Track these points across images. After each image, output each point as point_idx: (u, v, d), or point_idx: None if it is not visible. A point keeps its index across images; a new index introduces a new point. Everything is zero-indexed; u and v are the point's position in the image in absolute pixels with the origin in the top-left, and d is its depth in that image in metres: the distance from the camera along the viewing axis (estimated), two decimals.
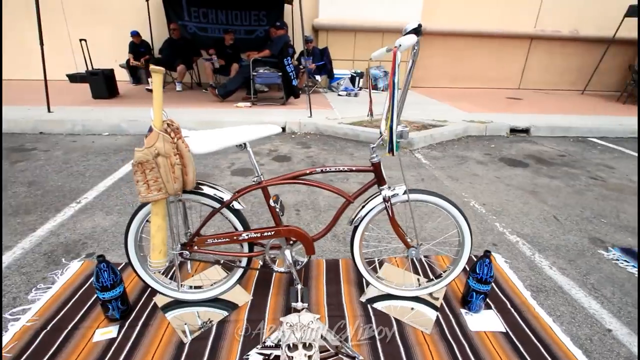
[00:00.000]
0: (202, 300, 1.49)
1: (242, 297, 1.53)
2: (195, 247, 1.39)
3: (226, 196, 1.35)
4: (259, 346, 1.27)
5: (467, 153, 3.74)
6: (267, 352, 1.24)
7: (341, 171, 1.38)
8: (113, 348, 1.25)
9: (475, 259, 1.49)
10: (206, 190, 1.33)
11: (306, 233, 1.41)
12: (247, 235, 1.37)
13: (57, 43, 6.99)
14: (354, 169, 1.38)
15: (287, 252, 1.43)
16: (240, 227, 1.40)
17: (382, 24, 7.22)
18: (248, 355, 1.23)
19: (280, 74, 5.23)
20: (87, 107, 4.88)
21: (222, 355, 1.24)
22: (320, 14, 7.24)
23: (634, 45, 7.92)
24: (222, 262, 1.69)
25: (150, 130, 1.17)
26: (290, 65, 5.25)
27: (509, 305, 1.54)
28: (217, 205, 1.35)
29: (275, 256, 1.46)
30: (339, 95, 6.73)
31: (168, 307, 1.47)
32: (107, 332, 1.31)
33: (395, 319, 1.43)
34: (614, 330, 1.43)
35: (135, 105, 5.10)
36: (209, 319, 1.40)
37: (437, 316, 1.46)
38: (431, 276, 1.73)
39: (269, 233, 1.38)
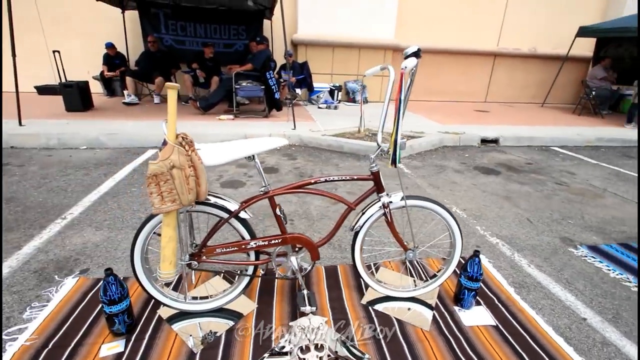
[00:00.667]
0: (208, 310, 1.51)
1: (247, 305, 1.55)
2: (204, 257, 1.41)
3: (234, 206, 1.39)
4: (270, 350, 1.30)
5: (445, 162, 3.97)
6: (279, 356, 1.28)
7: (343, 180, 1.47)
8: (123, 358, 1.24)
9: (463, 261, 1.62)
10: (215, 200, 1.37)
11: (311, 240, 1.47)
12: (255, 243, 1.41)
13: (25, 54, 6.70)
14: (355, 177, 1.48)
15: (293, 259, 1.49)
16: (247, 236, 1.44)
17: (358, 40, 7.53)
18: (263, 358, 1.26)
19: (262, 87, 5.31)
20: (61, 120, 4.70)
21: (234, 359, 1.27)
22: (299, 30, 7.45)
23: (585, 62, 8.76)
24: (234, 271, 1.71)
25: (165, 143, 1.21)
26: (273, 79, 5.35)
27: (496, 301, 1.67)
28: (225, 216, 1.39)
29: (281, 263, 1.50)
30: (319, 107, 6.89)
31: (173, 318, 1.47)
32: (114, 347, 1.30)
33: (396, 319, 1.52)
34: (588, 319, 1.60)
35: (112, 118, 4.97)
36: (212, 329, 1.42)
37: (434, 314, 1.56)
38: (424, 277, 1.84)
39: (277, 241, 1.43)
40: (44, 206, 2.47)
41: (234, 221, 1.41)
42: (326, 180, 1.45)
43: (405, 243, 1.58)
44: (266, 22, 7.32)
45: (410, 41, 8.06)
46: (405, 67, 1.12)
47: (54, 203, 2.52)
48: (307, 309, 1.35)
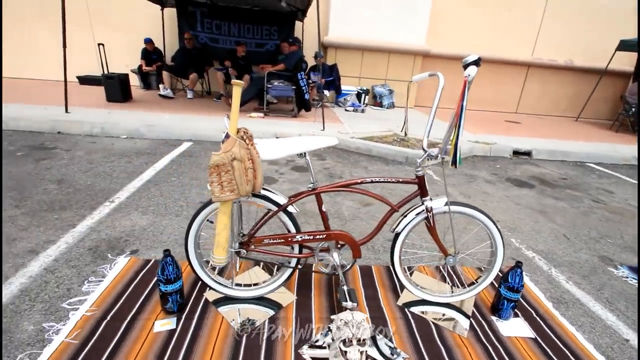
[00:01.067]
0: (250, 297, 1.57)
1: (287, 296, 1.61)
2: (252, 247, 1.48)
3: (283, 200, 1.45)
4: (311, 341, 1.35)
5: (475, 172, 3.92)
6: (319, 347, 1.32)
7: (388, 182, 1.51)
8: (174, 338, 1.32)
9: (501, 274, 1.61)
10: (266, 194, 1.44)
11: (354, 238, 1.51)
12: (301, 237, 1.47)
13: (69, 46, 7.09)
14: (400, 180, 1.51)
15: (335, 255, 1.53)
16: (293, 230, 1.50)
17: (388, 45, 7.53)
18: (302, 350, 1.31)
19: (293, 87, 5.41)
20: (103, 109, 4.95)
21: (278, 349, 1.32)
22: (330, 32, 7.52)
23: (625, 77, 8.41)
24: (277, 262, 1.76)
25: (227, 136, 1.28)
26: (304, 79, 5.44)
27: (534, 314, 1.65)
28: (275, 208, 1.45)
29: (322, 258, 1.55)
30: (345, 110, 6.93)
31: (218, 302, 1.54)
32: (166, 324, 1.38)
33: (433, 323, 1.53)
34: (631, 341, 1.56)
35: (150, 110, 5.19)
36: (249, 317, 1.48)
37: (471, 322, 1.56)
38: (458, 284, 1.84)
39: (321, 236, 1.48)
40: (92, 189, 2.62)
41: (281, 214, 1.47)
42: (372, 181, 1.49)
43: (446, 248, 1.59)
44: (298, 23, 7.44)
45: (440, 48, 8.00)
46: (469, 75, 1.14)
47: (101, 187, 2.67)
48: (349, 304, 1.39)
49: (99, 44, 6.22)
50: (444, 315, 1.60)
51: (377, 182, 1.50)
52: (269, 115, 5.53)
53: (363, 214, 2.59)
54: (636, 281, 2.02)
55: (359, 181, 1.49)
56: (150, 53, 6.98)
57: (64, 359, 1.20)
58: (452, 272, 1.95)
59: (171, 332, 1.35)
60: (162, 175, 3.02)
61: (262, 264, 1.84)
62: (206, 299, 1.55)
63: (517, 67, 8.41)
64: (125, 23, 7.35)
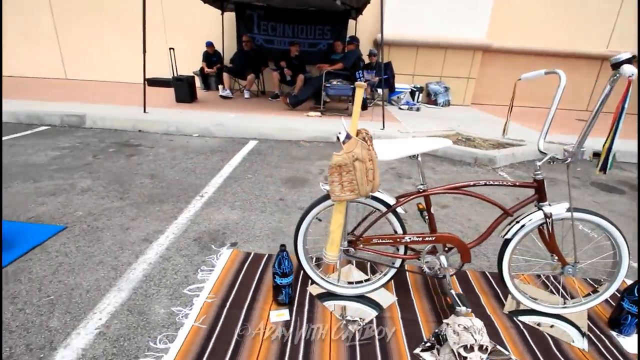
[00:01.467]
0: (353, 295, 1.60)
1: (387, 297, 1.62)
2: (361, 246, 1.51)
3: (392, 201, 1.46)
4: (423, 344, 1.35)
5: (554, 175, 3.65)
6: (430, 349, 1.32)
7: (503, 185, 1.45)
8: (291, 328, 1.39)
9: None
10: (377, 194, 1.45)
11: (464, 241, 1.48)
12: (410, 238, 1.47)
13: (137, 50, 7.69)
14: (517, 184, 1.45)
15: (443, 258, 1.51)
16: (400, 230, 1.50)
17: (446, 40, 7.25)
18: (417, 352, 1.31)
19: (352, 86, 5.41)
20: (174, 109, 5.31)
21: (392, 348, 1.33)
22: (384, 29, 7.40)
23: None
24: (381, 262, 1.79)
25: (348, 137, 1.32)
26: (362, 78, 5.43)
27: None
28: (382, 208, 1.46)
29: (429, 260, 1.54)
30: (399, 108, 6.80)
31: (321, 297, 1.59)
32: (281, 315, 1.45)
33: (548, 334, 1.46)
34: None
35: (215, 110, 5.48)
36: (352, 315, 1.51)
37: (589, 336, 1.46)
38: (566, 295, 1.73)
39: (430, 238, 1.47)
40: (182, 184, 2.83)
41: (390, 215, 1.48)
42: (486, 184, 1.45)
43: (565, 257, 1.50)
44: (351, 22, 7.43)
45: (503, 41, 7.54)
46: (633, 75, 1.06)
47: (189, 182, 2.88)
48: (462, 309, 1.37)
49: (170, 49, 6.68)
50: (552, 326, 1.52)
51: (491, 185, 1.45)
52: (326, 114, 5.59)
53: (442, 216, 2.53)
54: None
55: (471, 184, 1.45)
56: (211, 55, 7.36)
57: (197, 341, 1.31)
58: (556, 283, 1.84)
59: (286, 323, 1.42)
60: (239, 172, 3.18)
61: (354, 262, 1.87)
62: (310, 293, 1.61)
63: (589, 60, 7.70)
64: (188, 28, 7.82)
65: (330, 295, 1.61)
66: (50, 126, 4.54)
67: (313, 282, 1.63)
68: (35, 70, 8.19)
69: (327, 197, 1.47)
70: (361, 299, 1.60)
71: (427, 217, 1.53)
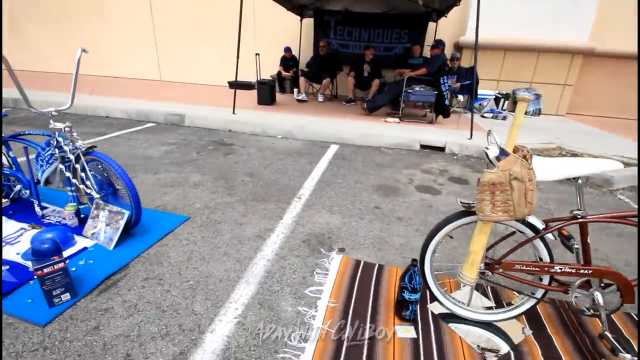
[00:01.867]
0: (479, 321, 1.51)
1: (515, 327, 1.49)
2: (500, 270, 1.41)
3: (541, 225, 1.34)
4: None
5: None
6: None
7: None
8: (421, 348, 1.35)
9: None
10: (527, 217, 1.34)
11: (627, 278, 1.30)
12: (560, 269, 1.33)
13: (220, 55, 8.23)
14: None
15: (599, 295, 1.34)
16: (547, 258, 1.37)
17: (539, 43, 6.61)
18: None
19: (435, 92, 5.20)
20: (257, 111, 5.62)
21: None
22: (468, 32, 7.01)
23: None
24: (518, 291, 1.64)
25: (503, 153, 1.24)
26: (446, 84, 5.19)
27: None
28: (531, 234, 1.35)
29: (579, 295, 1.38)
30: (482, 116, 6.37)
31: (444, 317, 1.52)
32: (406, 331, 1.42)
33: None
34: None
35: (293, 113, 5.67)
36: (490, 345, 1.40)
37: None
38: None
39: (585, 271, 1.32)
40: (278, 184, 2.96)
41: (537, 241, 1.36)
42: None
43: None
44: (431, 24, 7.16)
45: (609, 45, 6.64)
46: None
47: (284, 183, 3.00)
48: (627, 357, 1.20)
49: (256, 54, 7.10)
50: None
51: None
52: (404, 121, 5.45)
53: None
54: None
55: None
56: (288, 60, 7.66)
57: (328, 347, 1.34)
58: None
59: (414, 341, 1.38)
60: (328, 176, 3.23)
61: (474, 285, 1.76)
62: (431, 312, 1.55)
63: None
64: (272, 35, 8.23)
65: (452, 317, 1.53)
66: (155, 123, 5.11)
67: (434, 300, 1.57)
68: (135, 72, 9.31)
69: (463, 214, 1.40)
70: (488, 326, 1.50)
71: (574, 246, 1.37)
